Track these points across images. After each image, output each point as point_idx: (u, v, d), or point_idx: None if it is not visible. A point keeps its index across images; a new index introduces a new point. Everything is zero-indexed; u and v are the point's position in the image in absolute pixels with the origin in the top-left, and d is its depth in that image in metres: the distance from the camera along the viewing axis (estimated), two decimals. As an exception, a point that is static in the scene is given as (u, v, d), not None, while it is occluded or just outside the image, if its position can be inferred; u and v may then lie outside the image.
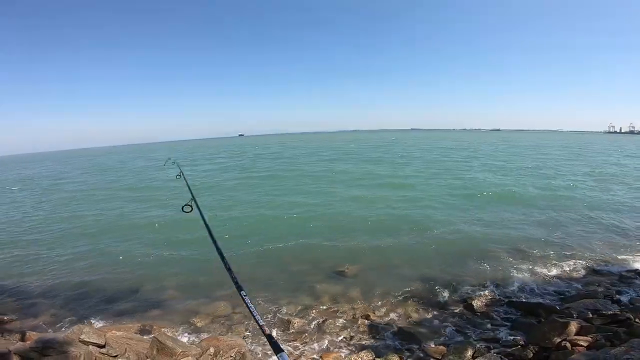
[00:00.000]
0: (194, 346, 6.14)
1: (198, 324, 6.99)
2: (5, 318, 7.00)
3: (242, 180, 27.93)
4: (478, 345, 5.33)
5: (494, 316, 6.82)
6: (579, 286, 8.06)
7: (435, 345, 5.76)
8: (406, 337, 6.23)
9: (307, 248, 11.45)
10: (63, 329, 6.75)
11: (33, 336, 6.15)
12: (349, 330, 6.61)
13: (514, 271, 9.00)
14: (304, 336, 6.46)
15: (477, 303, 7.29)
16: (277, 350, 0.76)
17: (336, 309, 7.46)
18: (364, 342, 6.18)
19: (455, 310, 7.22)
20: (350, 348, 6.04)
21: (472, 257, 10.07)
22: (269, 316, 7.25)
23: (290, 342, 6.29)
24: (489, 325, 6.45)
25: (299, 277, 9.04)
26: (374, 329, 6.57)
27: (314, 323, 6.93)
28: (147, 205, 19.70)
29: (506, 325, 6.37)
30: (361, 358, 5.33)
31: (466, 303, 7.40)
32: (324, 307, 7.56)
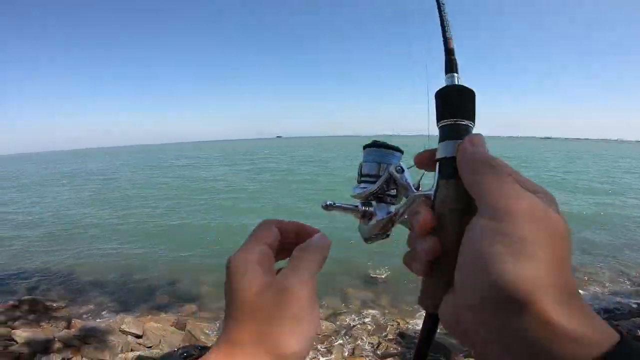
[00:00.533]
0: (224, 342, 6.29)
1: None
2: (55, 305, 7.56)
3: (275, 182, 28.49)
4: None
5: None
6: (632, 304, 7.40)
7: (465, 357, 5.52)
8: (436, 347, 5.97)
9: (341, 250, 11.34)
10: (105, 317, 7.17)
11: (78, 324, 6.58)
12: (377, 336, 6.53)
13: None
14: (330, 339, 6.47)
15: None
16: None
17: (366, 314, 7.42)
18: (391, 350, 6.09)
19: None
20: (377, 355, 5.96)
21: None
22: None
23: (316, 344, 6.28)
24: None
25: (331, 280, 9.00)
26: (403, 337, 6.45)
27: (342, 327, 6.93)
28: (198, 204, 20.69)
29: None
30: None
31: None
32: (354, 313, 7.53)
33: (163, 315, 7.40)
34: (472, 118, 0.42)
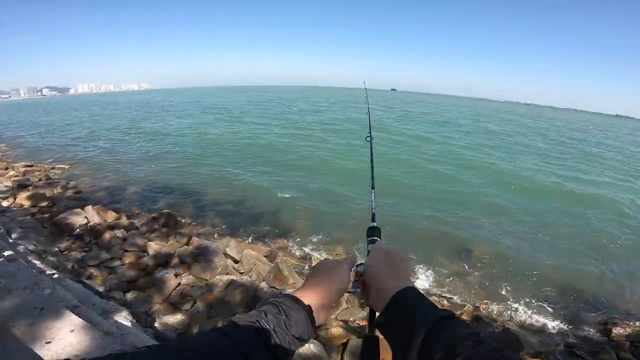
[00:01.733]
0: (303, 280, 6.80)
1: (314, 262, 7.63)
2: (183, 221, 9.25)
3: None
4: None
5: (627, 348, 5.35)
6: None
7: (532, 357, 4.90)
8: (507, 339, 5.35)
9: (440, 214, 10.68)
10: (216, 239, 8.44)
11: (195, 242, 7.82)
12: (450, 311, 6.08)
13: None
14: None
15: (617, 330, 5.76)
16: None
17: (449, 288, 7.02)
18: None
19: (583, 330, 5.95)
20: None
21: None
22: None
23: None
24: (613, 355, 5.12)
25: (424, 244, 8.60)
26: (478, 321, 5.94)
27: (421, 289, 6.62)
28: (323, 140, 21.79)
29: None
30: None
31: (604, 326, 5.96)
32: (437, 284, 7.19)
33: (260, 245, 8.36)
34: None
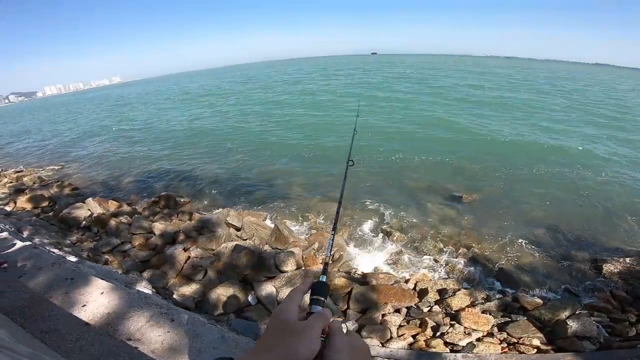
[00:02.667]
0: (303, 239, 7.29)
1: (311, 220, 8.11)
2: (182, 200, 9.60)
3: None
4: (579, 311, 4.67)
5: (620, 286, 5.71)
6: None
7: (532, 296, 5.27)
8: (504, 279, 5.89)
9: (429, 164, 11.11)
10: (216, 212, 8.85)
11: (197, 217, 8.22)
12: (446, 255, 6.66)
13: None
14: (400, 249, 6.85)
15: (608, 267, 6.11)
16: (323, 272, 0.84)
17: (441, 232, 7.44)
18: (455, 271, 6.19)
19: (578, 268, 6.29)
20: (439, 272, 6.19)
21: (627, 217, 8.04)
22: (372, 222, 7.83)
23: (385, 252, 6.75)
24: (607, 293, 5.47)
25: (413, 192, 9.10)
26: (473, 262, 6.42)
27: (414, 240, 7.17)
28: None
29: (628, 300, 5.27)
30: (447, 285, 5.33)
31: (596, 264, 6.29)
32: (429, 228, 7.61)
33: (258, 211, 8.82)
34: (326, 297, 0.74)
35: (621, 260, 6.23)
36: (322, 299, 0.73)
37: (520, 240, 7.13)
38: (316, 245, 6.71)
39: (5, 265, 3.59)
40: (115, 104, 46.65)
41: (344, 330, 0.69)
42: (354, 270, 6.02)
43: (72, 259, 4.75)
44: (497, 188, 9.45)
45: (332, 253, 0.89)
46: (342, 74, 51.43)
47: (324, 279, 0.79)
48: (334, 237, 0.93)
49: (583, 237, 7.27)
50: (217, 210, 8.95)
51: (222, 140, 16.83)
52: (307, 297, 0.72)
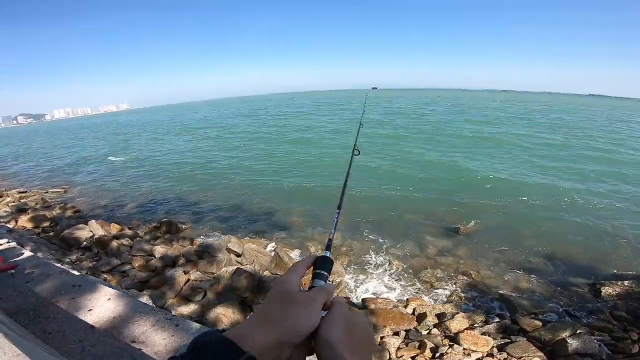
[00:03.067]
0: (304, 266, 7.28)
1: (311, 249, 8.15)
2: (184, 227, 9.68)
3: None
4: (580, 330, 4.68)
5: (619, 307, 5.73)
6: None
7: (532, 318, 5.26)
8: (503, 303, 5.92)
9: (426, 200, 11.37)
10: (217, 237, 8.90)
11: (198, 242, 8.26)
12: (444, 282, 6.68)
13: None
14: (399, 277, 6.88)
15: (607, 290, 6.18)
16: (327, 248, 0.80)
17: (439, 261, 7.50)
18: (454, 296, 6.20)
19: (576, 292, 6.35)
20: (436, 297, 6.19)
21: (623, 242, 8.26)
22: (371, 251, 7.91)
23: (384, 280, 6.76)
24: (607, 314, 5.49)
25: (410, 226, 9.23)
26: (471, 288, 6.46)
27: (412, 268, 7.22)
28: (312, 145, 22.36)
29: (629, 319, 5.29)
30: (446, 309, 5.32)
31: (595, 288, 6.35)
32: (427, 258, 7.68)
33: (259, 239, 8.86)
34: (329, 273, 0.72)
35: (619, 283, 6.32)
36: (325, 273, 0.71)
37: (517, 268, 7.20)
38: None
39: (13, 270, 3.64)
40: (119, 131, 47.58)
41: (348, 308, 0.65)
42: (352, 295, 5.99)
43: (75, 272, 4.79)
44: (493, 220, 9.60)
45: (335, 231, 0.84)
46: (344, 108, 52.59)
47: (327, 254, 0.77)
48: (339, 215, 0.90)
49: (579, 263, 7.39)
50: (219, 237, 9.01)
51: (225, 171, 17.12)
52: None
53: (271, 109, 67.33)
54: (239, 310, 5.29)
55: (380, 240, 8.43)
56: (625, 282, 6.31)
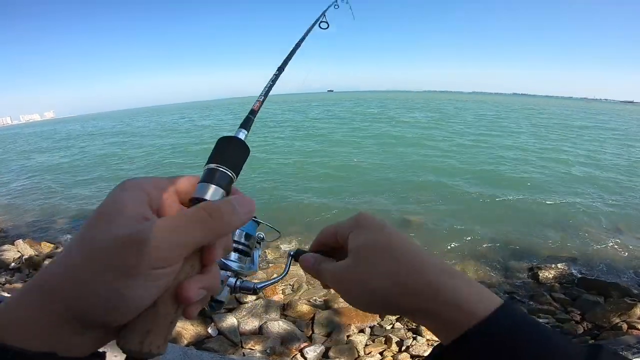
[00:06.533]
0: (262, 272, 7.21)
1: (270, 256, 8.09)
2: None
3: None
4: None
5: (557, 289, 6.44)
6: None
7: None
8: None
9: (374, 197, 11.94)
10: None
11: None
12: None
13: (599, 247, 8.21)
14: None
15: (544, 274, 6.88)
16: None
17: None
18: None
19: (518, 277, 7.04)
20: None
21: (554, 225, 9.39)
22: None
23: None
24: (547, 297, 6.13)
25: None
26: None
27: None
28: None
29: (567, 301, 5.96)
30: None
31: (532, 272, 7.09)
32: None
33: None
34: (237, 173, 0.45)
35: (553, 266, 7.08)
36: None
37: (462, 258, 7.80)
38: (275, 276, 6.69)
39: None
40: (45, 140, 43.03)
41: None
42: (314, 297, 6.09)
43: (5, 294, 4.33)
44: (439, 211, 10.42)
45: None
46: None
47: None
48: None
49: (520, 249, 8.16)
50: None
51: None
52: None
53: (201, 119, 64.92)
54: (198, 322, 5.11)
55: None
56: (559, 265, 7.11)
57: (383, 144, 22.96)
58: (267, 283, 0.70)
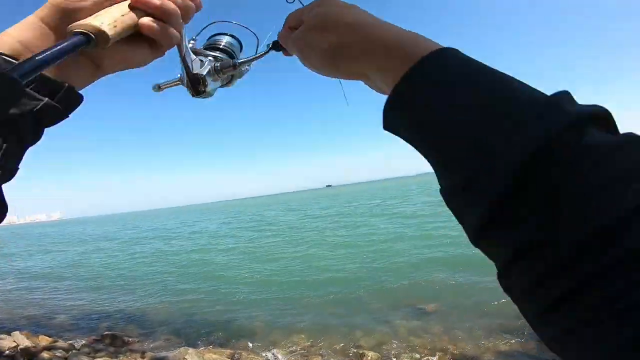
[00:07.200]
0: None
1: (279, 355, 7.46)
2: (131, 339, 8.41)
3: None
4: None
5: None
6: None
7: None
8: None
9: (385, 286, 11.43)
10: (172, 350, 7.78)
11: (149, 356, 7.21)
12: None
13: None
14: None
15: None
16: None
17: (413, 343, 7.31)
18: None
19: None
20: None
21: None
22: (342, 344, 7.60)
23: None
24: None
25: (377, 314, 9.07)
26: None
27: (389, 356, 6.93)
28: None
29: None
30: None
31: None
32: (401, 341, 7.47)
33: (220, 349, 7.87)
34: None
35: None
36: None
37: (492, 333, 7.18)
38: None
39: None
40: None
41: None
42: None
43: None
44: (454, 294, 9.77)
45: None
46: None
47: None
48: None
49: None
50: (174, 350, 7.88)
51: (175, 280, 15.81)
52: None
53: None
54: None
55: (350, 334, 8.00)
56: None
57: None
58: (247, 58, 0.75)
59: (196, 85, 0.67)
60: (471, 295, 9.59)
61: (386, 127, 0.42)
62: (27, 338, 7.43)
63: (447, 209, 0.37)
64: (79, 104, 0.49)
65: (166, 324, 9.86)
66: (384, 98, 0.45)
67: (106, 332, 8.56)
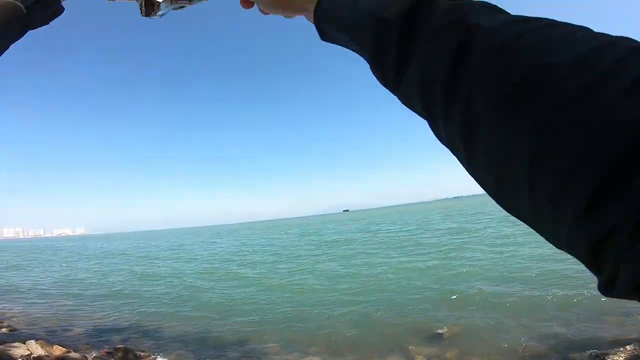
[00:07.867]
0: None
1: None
2: (142, 354, 8.20)
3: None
4: None
5: None
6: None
7: None
8: None
9: (402, 309, 10.86)
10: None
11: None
12: None
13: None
14: None
15: (612, 358, 5.76)
16: None
17: None
18: None
19: None
20: None
21: (610, 311, 8.04)
22: None
23: None
24: None
25: (392, 339, 8.53)
26: None
27: None
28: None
29: None
30: None
31: (597, 359, 5.93)
32: None
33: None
34: None
35: (622, 349, 5.96)
36: None
37: (511, 356, 6.67)
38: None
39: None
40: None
41: None
42: None
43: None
44: (474, 318, 8.97)
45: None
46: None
47: None
48: None
49: (571, 339, 6.94)
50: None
51: (189, 299, 15.65)
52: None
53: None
54: None
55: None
56: (628, 347, 5.93)
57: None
58: None
59: (149, 9, 0.73)
60: (495, 316, 8.91)
61: (323, 38, 0.50)
62: (42, 347, 7.33)
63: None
64: None
65: (179, 341, 9.57)
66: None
67: (119, 346, 8.38)
